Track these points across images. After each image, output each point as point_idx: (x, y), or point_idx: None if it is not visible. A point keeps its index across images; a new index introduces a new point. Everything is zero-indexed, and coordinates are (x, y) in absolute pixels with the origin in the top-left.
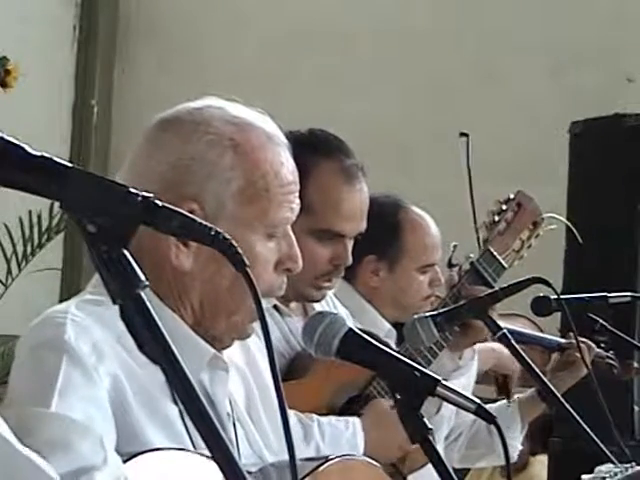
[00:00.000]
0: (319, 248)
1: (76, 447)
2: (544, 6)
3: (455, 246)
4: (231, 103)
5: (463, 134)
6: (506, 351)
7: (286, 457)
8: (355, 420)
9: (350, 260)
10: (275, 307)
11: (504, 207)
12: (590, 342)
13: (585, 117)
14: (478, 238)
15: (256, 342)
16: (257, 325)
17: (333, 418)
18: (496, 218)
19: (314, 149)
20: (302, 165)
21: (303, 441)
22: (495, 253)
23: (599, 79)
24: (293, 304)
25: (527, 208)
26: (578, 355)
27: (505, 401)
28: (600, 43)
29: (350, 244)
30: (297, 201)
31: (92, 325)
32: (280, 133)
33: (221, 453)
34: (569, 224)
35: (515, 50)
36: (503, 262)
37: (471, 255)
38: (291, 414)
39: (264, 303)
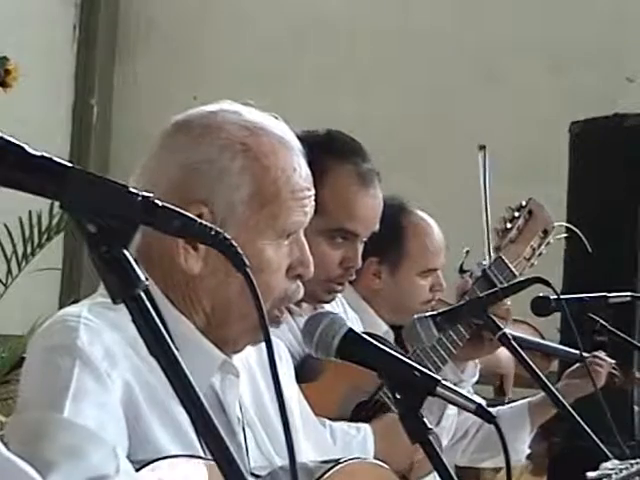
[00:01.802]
0: (330, 250)
1: (89, 456)
2: (544, 6)
3: (467, 252)
4: (246, 107)
5: (481, 147)
6: (501, 352)
7: (299, 458)
8: (366, 426)
9: (359, 264)
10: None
11: (516, 214)
12: (607, 357)
13: (585, 117)
14: (489, 245)
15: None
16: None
17: (344, 424)
18: (508, 225)
19: (330, 151)
20: (318, 167)
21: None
22: (507, 261)
23: (599, 79)
24: (304, 304)
25: (538, 216)
26: (598, 369)
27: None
28: (600, 43)
29: (361, 247)
30: (311, 204)
31: (104, 329)
32: (294, 138)
33: (221, 455)
34: (579, 233)
35: (515, 50)
36: (514, 270)
37: (483, 262)
38: (297, 408)
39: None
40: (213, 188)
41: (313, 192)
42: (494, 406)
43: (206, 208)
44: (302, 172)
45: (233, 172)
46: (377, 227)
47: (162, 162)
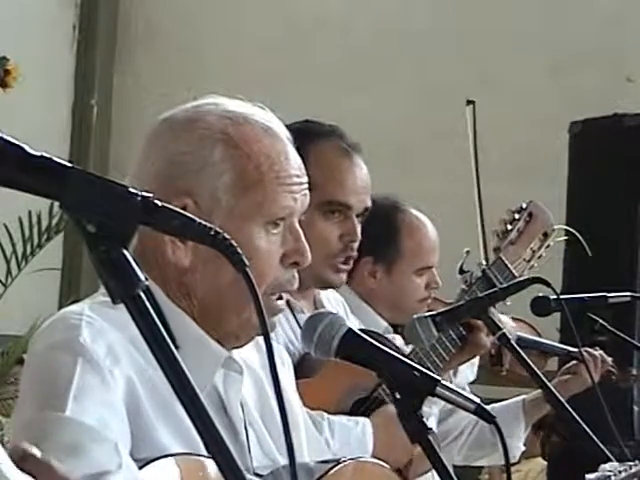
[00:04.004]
0: (327, 226)
1: (91, 452)
2: (544, 6)
3: (467, 252)
4: (231, 100)
5: (470, 102)
6: (505, 323)
7: (301, 459)
8: (365, 420)
9: (359, 237)
10: (287, 302)
11: (516, 216)
12: (604, 354)
13: (585, 117)
14: (484, 231)
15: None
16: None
17: (343, 417)
18: (508, 227)
19: (311, 134)
20: (300, 150)
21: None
22: (506, 262)
23: (599, 79)
24: (304, 301)
25: (538, 218)
26: (590, 365)
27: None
28: (600, 43)
29: (357, 221)
30: (303, 192)
31: (107, 327)
32: (282, 127)
33: (220, 454)
34: (579, 236)
35: (515, 50)
36: (514, 271)
37: (483, 262)
38: (300, 412)
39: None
40: (196, 179)
41: (305, 180)
42: (489, 403)
43: (190, 199)
44: (290, 159)
45: (214, 161)
46: (369, 201)
47: (148, 158)
